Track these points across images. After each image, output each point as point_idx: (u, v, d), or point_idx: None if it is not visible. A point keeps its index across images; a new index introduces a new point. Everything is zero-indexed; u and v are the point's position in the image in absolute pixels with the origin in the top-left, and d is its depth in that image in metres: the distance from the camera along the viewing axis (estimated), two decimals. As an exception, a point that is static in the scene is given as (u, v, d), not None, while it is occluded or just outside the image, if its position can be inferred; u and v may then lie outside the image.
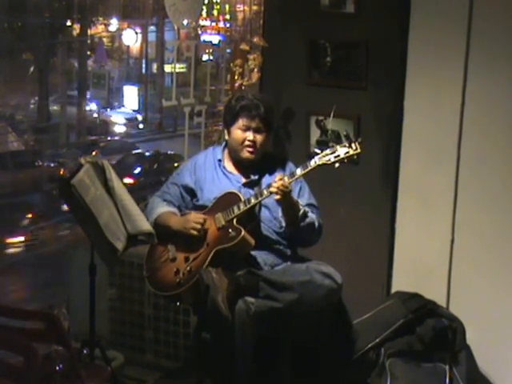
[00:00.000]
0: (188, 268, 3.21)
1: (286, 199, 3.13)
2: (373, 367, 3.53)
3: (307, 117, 4.15)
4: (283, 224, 3.26)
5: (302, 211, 3.21)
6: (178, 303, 3.62)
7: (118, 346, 4.17)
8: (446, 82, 3.82)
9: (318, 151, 3.11)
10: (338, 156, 3.06)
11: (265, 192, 3.17)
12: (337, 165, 3.06)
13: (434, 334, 3.59)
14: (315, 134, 4.14)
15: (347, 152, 3.06)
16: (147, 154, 17.05)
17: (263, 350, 3.20)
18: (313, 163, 3.10)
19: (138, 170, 15.63)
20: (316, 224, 3.27)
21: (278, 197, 3.10)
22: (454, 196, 3.85)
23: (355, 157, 3.07)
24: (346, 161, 3.06)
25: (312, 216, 3.26)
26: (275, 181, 3.12)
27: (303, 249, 3.39)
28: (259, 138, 3.30)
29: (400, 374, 3.50)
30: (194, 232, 3.23)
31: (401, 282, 4.00)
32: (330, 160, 3.07)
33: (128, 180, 13.90)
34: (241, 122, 3.30)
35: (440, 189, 3.88)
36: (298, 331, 3.25)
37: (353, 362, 3.55)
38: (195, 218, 3.26)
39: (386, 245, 4.04)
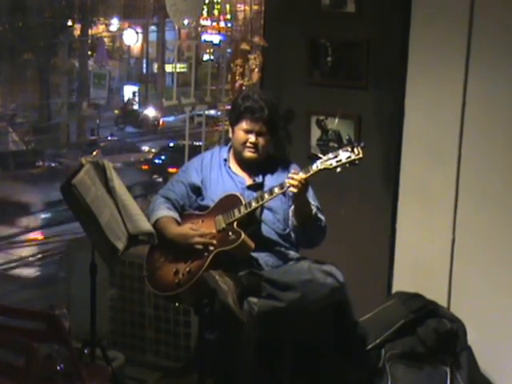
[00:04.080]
0: (187, 269, 3.21)
1: (302, 195, 3.12)
2: (373, 368, 3.53)
3: (308, 116, 4.15)
4: (295, 223, 3.24)
5: (314, 210, 3.21)
6: (177, 304, 3.60)
7: (119, 345, 4.17)
8: (447, 81, 3.82)
9: (320, 155, 3.10)
10: (340, 161, 3.04)
11: (266, 196, 3.16)
12: (338, 169, 3.05)
13: (434, 334, 3.58)
14: (316, 133, 4.14)
15: (349, 157, 3.04)
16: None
17: (265, 350, 3.20)
18: (315, 168, 3.08)
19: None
20: (323, 225, 3.28)
21: (295, 190, 3.07)
22: (455, 195, 3.84)
23: (357, 162, 3.05)
24: (347, 165, 3.05)
25: (321, 217, 3.27)
26: (294, 173, 3.09)
27: (305, 250, 3.39)
28: (261, 140, 3.29)
29: (401, 375, 3.49)
30: (200, 246, 3.21)
31: (401, 282, 4.00)
32: (331, 164, 3.05)
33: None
34: (244, 124, 3.28)
35: (441, 188, 3.88)
36: (300, 331, 3.25)
37: (353, 362, 3.55)
38: (196, 232, 3.22)
39: (386, 245, 4.04)
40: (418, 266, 3.97)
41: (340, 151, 3.07)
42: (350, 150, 3.05)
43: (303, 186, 3.08)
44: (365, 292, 3.89)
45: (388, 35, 3.94)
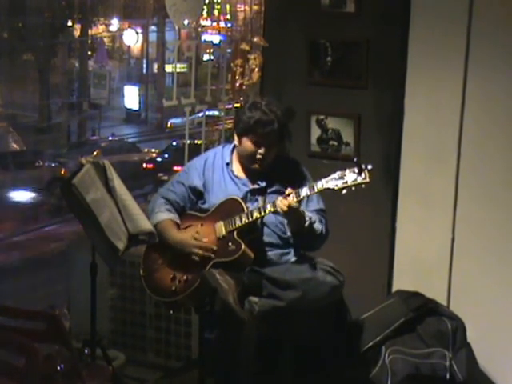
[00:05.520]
0: (185, 277, 3.18)
1: (292, 214, 3.08)
2: (374, 366, 3.53)
3: (308, 116, 4.15)
4: (288, 233, 3.23)
5: (308, 222, 3.14)
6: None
7: (120, 345, 4.17)
8: (447, 81, 3.82)
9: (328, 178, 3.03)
10: (346, 182, 2.98)
11: (268, 207, 3.11)
12: (344, 191, 3.00)
13: (434, 332, 3.59)
14: (316, 132, 4.15)
15: (355, 180, 2.98)
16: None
17: (265, 349, 3.20)
18: (320, 186, 3.04)
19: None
20: (322, 233, 3.23)
21: (286, 210, 3.04)
22: (455, 195, 3.85)
23: (363, 186, 3.00)
24: (353, 188, 3.00)
25: (318, 226, 3.20)
26: (284, 196, 3.05)
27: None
28: (270, 152, 3.22)
29: (401, 373, 3.50)
30: (196, 258, 3.18)
31: (401, 280, 4.00)
32: (337, 185, 3.00)
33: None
34: (253, 138, 3.19)
35: (440, 187, 3.89)
36: (301, 329, 3.25)
37: (354, 360, 3.55)
38: (198, 243, 3.19)
39: (386, 244, 4.04)
40: (417, 265, 3.98)
41: (347, 172, 3.00)
42: (357, 172, 2.98)
43: (293, 208, 3.04)
44: (365, 291, 3.90)
45: (387, 35, 3.94)
